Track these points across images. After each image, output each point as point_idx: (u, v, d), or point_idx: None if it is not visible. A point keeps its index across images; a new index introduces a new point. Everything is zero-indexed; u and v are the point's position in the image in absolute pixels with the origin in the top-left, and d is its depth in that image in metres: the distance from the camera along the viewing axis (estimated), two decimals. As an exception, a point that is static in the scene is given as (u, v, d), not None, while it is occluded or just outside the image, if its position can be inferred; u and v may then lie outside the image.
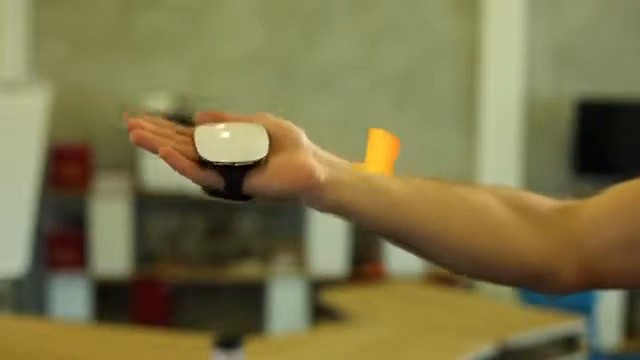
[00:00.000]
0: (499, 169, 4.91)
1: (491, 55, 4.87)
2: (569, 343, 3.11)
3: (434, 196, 0.86)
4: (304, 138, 0.84)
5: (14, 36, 4.83)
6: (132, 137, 0.83)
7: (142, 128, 0.84)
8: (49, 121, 4.41)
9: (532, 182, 4.97)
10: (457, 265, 0.88)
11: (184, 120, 0.86)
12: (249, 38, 4.94)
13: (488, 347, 2.71)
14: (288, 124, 0.84)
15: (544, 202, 0.90)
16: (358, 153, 4.93)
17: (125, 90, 4.92)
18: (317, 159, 0.83)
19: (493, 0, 4.85)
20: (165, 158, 0.81)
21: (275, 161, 0.82)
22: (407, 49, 4.97)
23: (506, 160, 4.91)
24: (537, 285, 0.89)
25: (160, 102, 4.67)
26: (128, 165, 4.82)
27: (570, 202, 0.91)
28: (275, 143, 0.82)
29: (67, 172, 4.71)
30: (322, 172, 0.82)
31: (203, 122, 0.85)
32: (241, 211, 4.92)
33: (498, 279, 0.90)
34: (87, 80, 4.94)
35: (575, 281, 0.88)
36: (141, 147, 0.83)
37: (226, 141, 0.82)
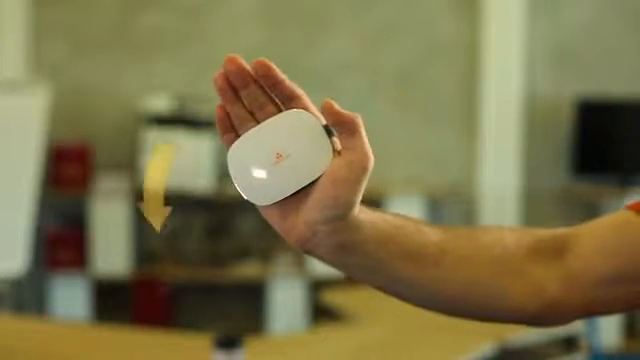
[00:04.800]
0: (499, 169, 4.91)
1: (491, 55, 4.87)
2: (569, 343, 3.11)
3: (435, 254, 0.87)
4: (344, 217, 0.80)
5: (14, 36, 4.83)
6: (214, 78, 0.81)
7: (235, 70, 0.80)
8: (49, 121, 4.42)
9: (532, 182, 4.97)
10: (450, 314, 0.92)
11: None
12: (249, 38, 4.94)
13: (488, 347, 2.71)
14: (347, 195, 0.79)
15: (537, 239, 0.92)
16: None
17: (125, 90, 4.92)
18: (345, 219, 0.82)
19: (493, 0, 4.85)
20: (216, 115, 0.83)
21: (287, 210, 0.82)
22: (407, 49, 4.97)
23: (506, 160, 4.91)
24: (535, 325, 0.94)
25: (160, 102, 4.67)
26: (128, 165, 4.82)
27: (561, 234, 0.94)
28: (315, 190, 0.81)
29: (67, 172, 4.71)
30: (320, 248, 0.83)
31: (260, 75, 0.80)
32: (241, 211, 4.92)
33: (496, 322, 0.95)
34: (87, 80, 4.94)
35: (572, 315, 0.93)
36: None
37: (250, 170, 0.82)
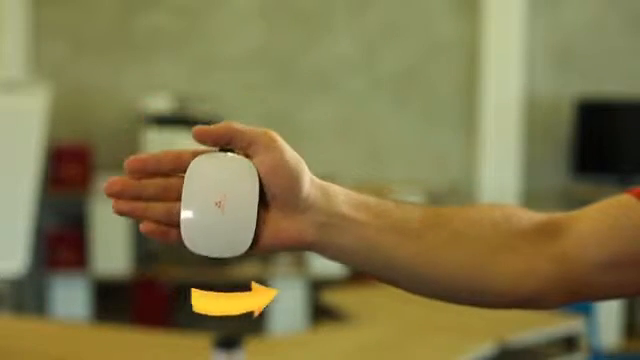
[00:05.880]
0: (499, 169, 4.91)
1: (491, 55, 4.87)
2: (569, 343, 3.11)
3: (425, 232, 0.86)
4: (303, 183, 0.81)
5: (14, 36, 4.83)
6: (112, 208, 0.84)
7: (121, 190, 0.83)
8: (49, 121, 4.41)
9: (532, 182, 4.97)
10: (440, 297, 0.90)
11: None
12: (249, 38, 4.94)
13: (488, 347, 2.71)
14: (289, 167, 0.80)
15: (532, 220, 0.91)
16: (357, 154, 4.92)
17: (125, 90, 4.92)
18: (312, 208, 0.82)
19: (493, 0, 4.85)
20: (148, 235, 0.84)
21: (264, 225, 0.81)
22: (407, 49, 4.97)
23: (506, 160, 4.91)
24: (526, 307, 0.91)
25: (160, 102, 4.67)
26: (128, 165, 4.81)
27: (558, 216, 0.92)
28: (268, 191, 0.81)
29: (67, 172, 4.70)
30: (311, 234, 0.82)
31: (134, 169, 0.81)
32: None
33: (486, 307, 0.92)
34: (87, 80, 4.94)
35: (562, 298, 0.90)
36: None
37: (209, 233, 0.81)
